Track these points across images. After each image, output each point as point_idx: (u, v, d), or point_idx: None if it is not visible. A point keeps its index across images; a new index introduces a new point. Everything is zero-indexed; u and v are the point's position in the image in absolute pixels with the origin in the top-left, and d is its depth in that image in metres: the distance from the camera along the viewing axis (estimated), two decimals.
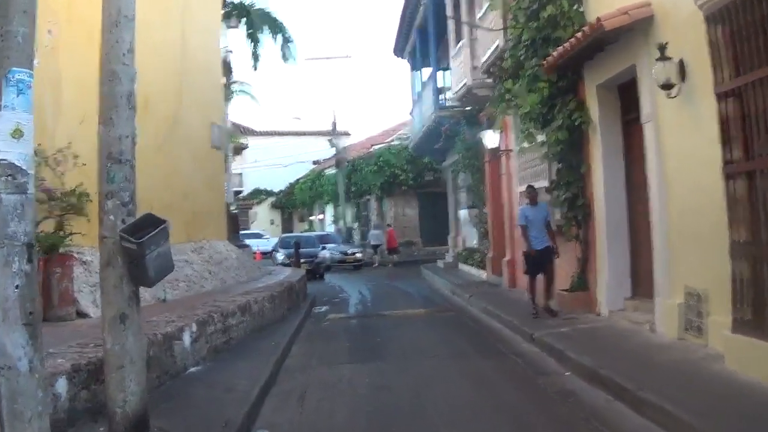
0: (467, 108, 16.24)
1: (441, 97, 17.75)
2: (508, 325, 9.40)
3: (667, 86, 6.57)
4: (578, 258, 9.50)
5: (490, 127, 12.57)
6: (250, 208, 49.49)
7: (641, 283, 8.23)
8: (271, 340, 8.65)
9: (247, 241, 38.04)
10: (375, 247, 26.81)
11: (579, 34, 8.03)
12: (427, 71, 20.49)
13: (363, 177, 31.65)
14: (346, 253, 25.50)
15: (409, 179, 29.46)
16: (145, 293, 9.65)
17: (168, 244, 4.55)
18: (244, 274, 12.97)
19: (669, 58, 6.46)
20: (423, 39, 19.04)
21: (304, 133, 47.33)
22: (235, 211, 17.57)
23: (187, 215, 11.88)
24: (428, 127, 17.95)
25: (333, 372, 7.23)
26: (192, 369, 6.91)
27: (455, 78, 15.13)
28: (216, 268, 11.90)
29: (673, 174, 7.03)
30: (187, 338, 6.89)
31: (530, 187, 9.81)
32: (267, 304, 9.66)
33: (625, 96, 8.69)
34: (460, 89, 14.61)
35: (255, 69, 20.85)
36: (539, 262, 9.28)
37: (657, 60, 6.61)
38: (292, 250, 19.92)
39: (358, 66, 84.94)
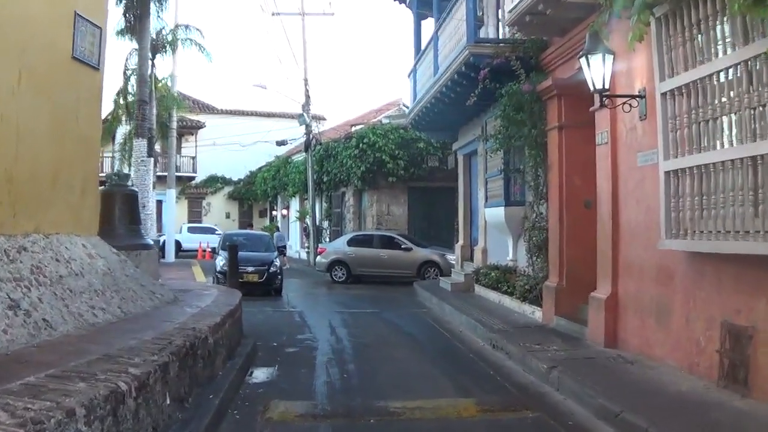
0: (519, 42, 10.20)
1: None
2: None
3: None
4: None
5: (590, 53, 6.58)
6: (204, 198, 42.96)
7: None
8: None
9: (198, 238, 31.91)
10: (281, 248, 23.54)
11: None
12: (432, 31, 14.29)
13: (339, 164, 24.93)
14: None
15: (399, 168, 22.46)
16: None
17: None
18: (112, 307, 6.57)
19: None
20: None
21: (271, 115, 41.15)
22: (133, 189, 10.88)
23: None
24: (449, 77, 11.54)
25: None
26: None
27: None
28: (40, 295, 5.57)
29: None
30: None
31: None
32: (113, 417, 3.41)
33: None
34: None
35: None
36: None
37: None
38: None
39: (341, 28, 75.14)
